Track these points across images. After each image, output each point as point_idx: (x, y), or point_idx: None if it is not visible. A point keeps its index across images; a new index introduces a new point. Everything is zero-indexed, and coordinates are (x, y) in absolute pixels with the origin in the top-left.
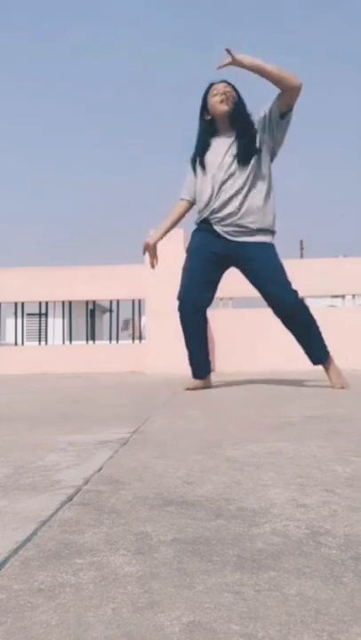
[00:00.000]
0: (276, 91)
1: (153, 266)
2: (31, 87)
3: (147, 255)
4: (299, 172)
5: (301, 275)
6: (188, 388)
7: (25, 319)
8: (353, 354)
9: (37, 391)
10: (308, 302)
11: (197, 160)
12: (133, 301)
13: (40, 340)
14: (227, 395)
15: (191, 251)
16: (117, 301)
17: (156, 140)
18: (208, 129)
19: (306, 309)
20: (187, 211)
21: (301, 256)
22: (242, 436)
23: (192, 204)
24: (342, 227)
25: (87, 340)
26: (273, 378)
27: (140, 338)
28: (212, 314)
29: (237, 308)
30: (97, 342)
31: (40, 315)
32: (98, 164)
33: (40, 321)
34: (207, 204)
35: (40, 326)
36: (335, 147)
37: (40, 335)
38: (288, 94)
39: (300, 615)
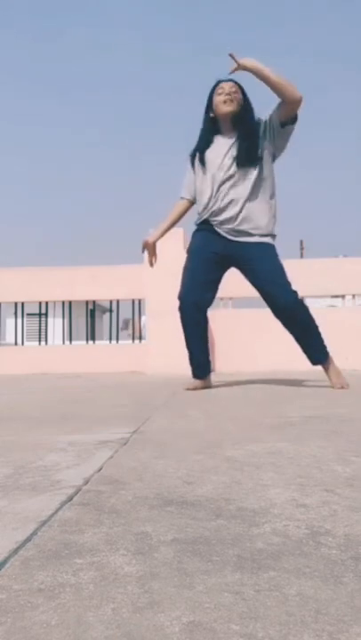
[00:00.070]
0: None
1: (152, 264)
2: (31, 87)
3: (146, 253)
4: (299, 173)
5: (301, 275)
6: (188, 388)
7: (25, 319)
8: (353, 354)
9: (37, 391)
10: (308, 302)
11: (197, 156)
12: (133, 301)
13: (40, 340)
14: (227, 395)
15: (192, 251)
16: (117, 301)
17: (156, 140)
18: (211, 126)
19: (305, 310)
20: (187, 210)
21: (301, 256)
22: (242, 436)
23: (192, 202)
24: (342, 227)
25: (87, 339)
26: (273, 378)
27: (140, 338)
28: (212, 314)
29: (237, 308)
30: (97, 342)
31: (40, 315)
32: (98, 164)
33: (40, 321)
34: (206, 206)
35: (40, 326)
36: (335, 147)
37: (40, 335)
38: (288, 105)
39: (300, 615)
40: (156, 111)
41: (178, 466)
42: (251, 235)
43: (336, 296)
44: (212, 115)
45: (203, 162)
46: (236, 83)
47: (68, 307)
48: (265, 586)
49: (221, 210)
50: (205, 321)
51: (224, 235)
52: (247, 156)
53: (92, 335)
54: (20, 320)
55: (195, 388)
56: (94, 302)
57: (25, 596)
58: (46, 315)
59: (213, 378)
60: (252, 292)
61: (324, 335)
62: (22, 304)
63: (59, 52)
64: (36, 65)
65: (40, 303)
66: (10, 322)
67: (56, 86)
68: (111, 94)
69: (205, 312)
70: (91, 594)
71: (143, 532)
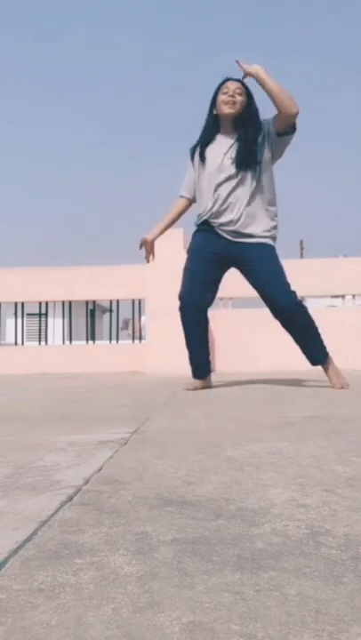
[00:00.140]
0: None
1: (148, 261)
2: (31, 87)
3: (143, 250)
4: (299, 173)
5: (301, 275)
6: (188, 388)
7: (25, 319)
8: (353, 354)
9: (37, 391)
10: (308, 302)
11: (198, 151)
12: (133, 301)
13: (40, 340)
14: (227, 395)
15: (192, 251)
16: (117, 301)
17: (156, 140)
18: (214, 123)
19: (304, 311)
20: (186, 208)
21: (301, 256)
22: (242, 436)
23: (191, 201)
24: (342, 227)
25: (87, 339)
26: (273, 378)
27: (140, 338)
28: (212, 314)
29: (237, 308)
30: (97, 342)
31: (40, 315)
32: (98, 164)
33: (40, 321)
34: (206, 207)
35: (40, 326)
36: (335, 147)
37: (40, 335)
38: (283, 117)
39: (300, 615)
40: (156, 111)
41: (178, 466)
42: (251, 236)
43: (336, 296)
44: (215, 112)
45: (202, 158)
46: (242, 84)
47: (68, 307)
48: (265, 586)
49: (221, 212)
50: (206, 321)
51: (224, 235)
52: (246, 159)
53: (92, 335)
54: (20, 320)
55: (195, 388)
56: (94, 302)
57: (25, 595)
58: (46, 315)
59: (213, 378)
60: (252, 292)
61: (323, 335)
62: (22, 304)
63: (59, 52)
64: (36, 65)
65: (40, 303)
66: (10, 322)
67: (56, 86)
68: (111, 94)
69: (206, 312)
70: (91, 594)
71: (143, 532)
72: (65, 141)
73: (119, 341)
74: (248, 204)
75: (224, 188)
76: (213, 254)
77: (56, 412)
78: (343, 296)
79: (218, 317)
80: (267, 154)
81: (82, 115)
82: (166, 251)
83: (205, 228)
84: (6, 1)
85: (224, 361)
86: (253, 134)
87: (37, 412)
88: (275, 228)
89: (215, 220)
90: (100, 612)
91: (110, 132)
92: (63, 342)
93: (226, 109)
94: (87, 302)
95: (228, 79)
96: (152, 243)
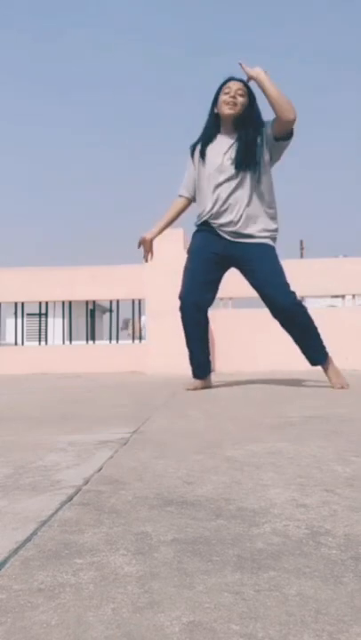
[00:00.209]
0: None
1: (147, 260)
2: (31, 87)
3: (141, 249)
4: (299, 173)
5: (301, 275)
6: (188, 388)
7: (25, 319)
8: (353, 354)
9: (37, 391)
10: (308, 302)
11: (198, 148)
12: (133, 301)
13: (40, 340)
14: (227, 395)
15: (192, 251)
16: (117, 301)
17: (156, 140)
18: (215, 122)
19: (304, 311)
20: (185, 207)
21: (301, 256)
22: (242, 436)
23: (190, 200)
24: (342, 227)
25: (87, 339)
26: (273, 378)
27: (140, 338)
28: (212, 314)
29: (237, 308)
30: (97, 342)
31: (40, 315)
32: (98, 164)
33: (40, 321)
34: (206, 208)
35: (40, 326)
36: (335, 147)
37: (40, 335)
38: (281, 123)
39: (300, 615)
40: (156, 111)
41: (178, 466)
42: (251, 236)
43: (336, 296)
44: (216, 111)
45: (203, 156)
46: (245, 84)
47: (68, 307)
48: (265, 586)
49: (221, 213)
50: (206, 321)
51: (224, 236)
52: (245, 160)
53: (92, 335)
54: (20, 320)
55: (195, 388)
56: (94, 302)
57: (25, 596)
58: (46, 315)
59: (213, 378)
60: (251, 292)
61: (323, 335)
62: (22, 304)
63: (59, 52)
64: (36, 65)
65: (40, 303)
66: (10, 322)
67: (56, 86)
68: (111, 94)
69: (206, 312)
70: (91, 594)
71: (143, 531)
72: (65, 141)
73: (119, 341)
74: (248, 204)
75: (224, 189)
76: (213, 254)
77: (56, 411)
78: (343, 296)
79: (218, 317)
80: (266, 155)
81: (82, 115)
82: (166, 250)
83: (205, 229)
84: (6, 1)
85: (224, 361)
86: (253, 135)
87: (37, 411)
88: (275, 229)
89: (215, 221)
90: (100, 612)
91: (110, 132)
92: (63, 342)
93: (226, 110)
94: (87, 302)
95: (230, 79)
96: (151, 242)
